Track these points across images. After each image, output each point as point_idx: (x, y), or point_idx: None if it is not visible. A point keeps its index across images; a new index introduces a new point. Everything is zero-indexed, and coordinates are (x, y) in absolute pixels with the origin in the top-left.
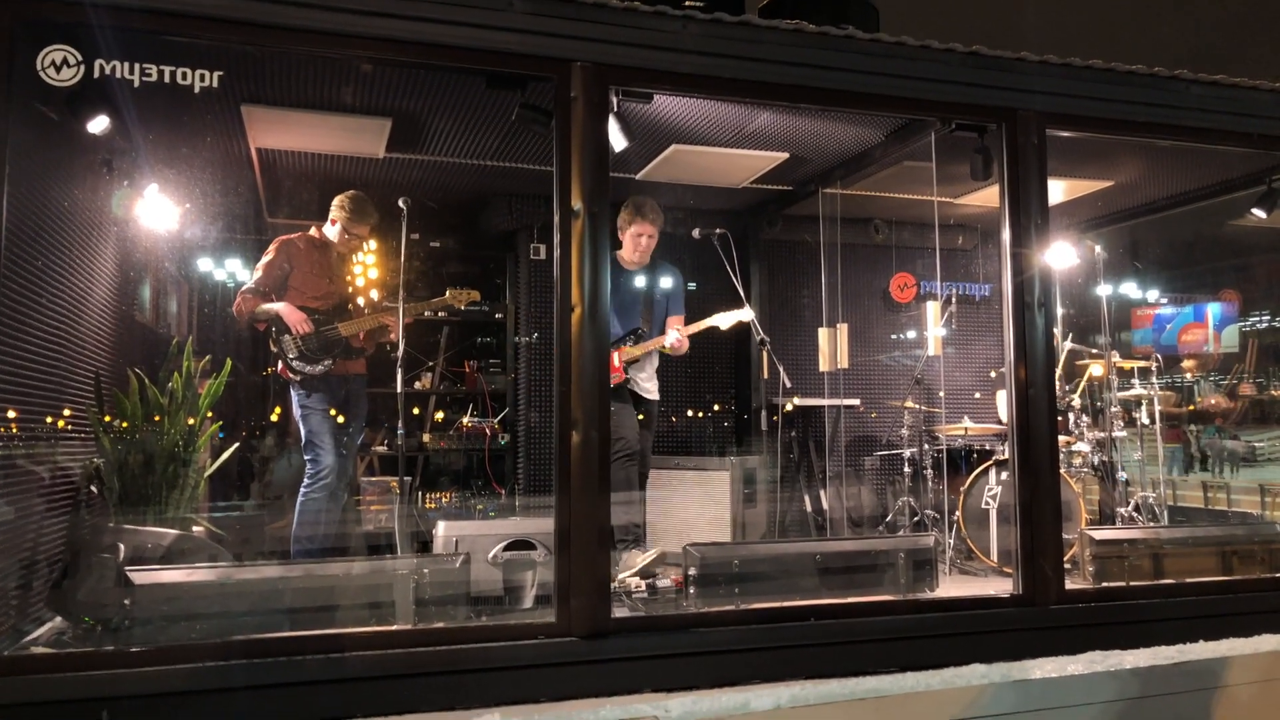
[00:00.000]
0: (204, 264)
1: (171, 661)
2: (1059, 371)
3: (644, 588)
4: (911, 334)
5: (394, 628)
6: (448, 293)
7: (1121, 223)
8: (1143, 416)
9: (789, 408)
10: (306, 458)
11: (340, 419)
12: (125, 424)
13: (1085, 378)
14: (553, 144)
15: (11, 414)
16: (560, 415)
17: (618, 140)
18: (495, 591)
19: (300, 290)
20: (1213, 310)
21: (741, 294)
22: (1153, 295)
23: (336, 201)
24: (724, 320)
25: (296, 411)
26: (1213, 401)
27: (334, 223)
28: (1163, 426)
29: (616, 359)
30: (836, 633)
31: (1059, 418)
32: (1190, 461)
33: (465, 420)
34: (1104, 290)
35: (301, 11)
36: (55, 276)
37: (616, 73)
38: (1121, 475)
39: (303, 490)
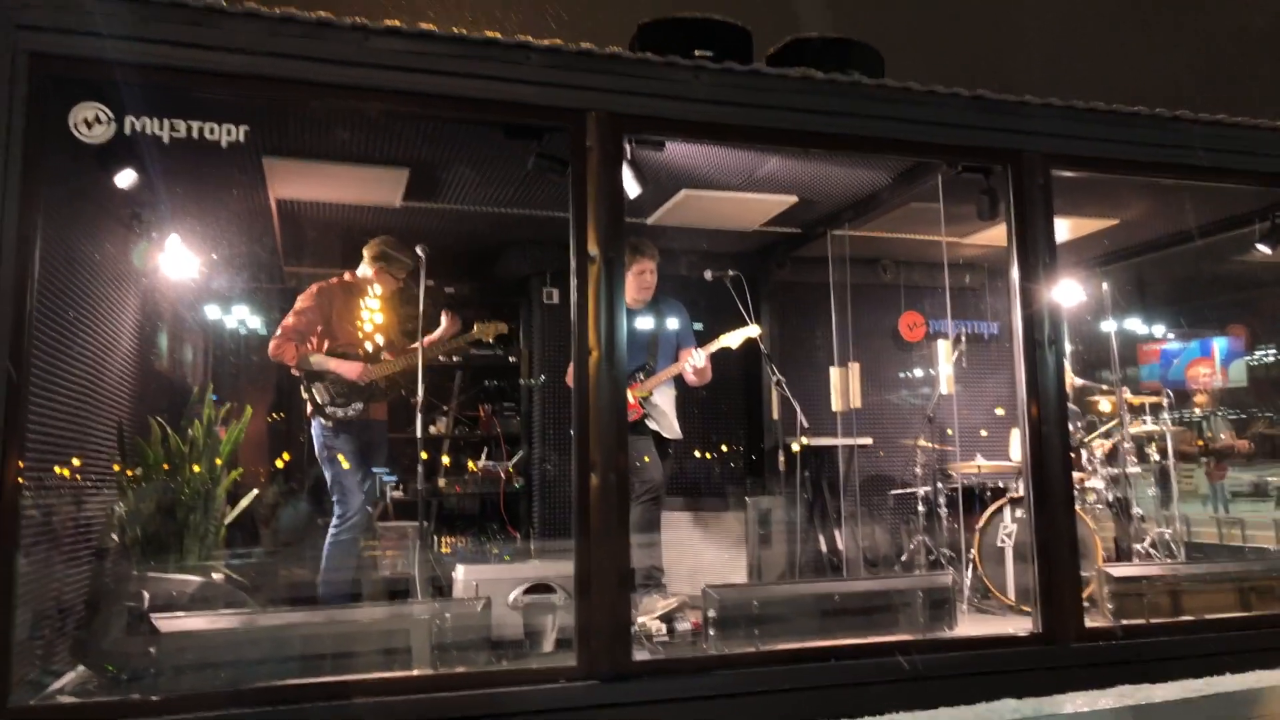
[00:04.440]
0: (224, 313)
1: (193, 709)
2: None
3: (664, 630)
4: (921, 372)
5: (416, 673)
6: (475, 327)
7: (1128, 260)
8: (1156, 452)
9: (796, 448)
10: (334, 498)
11: (347, 465)
12: (141, 472)
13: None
14: (568, 191)
15: (44, 463)
16: (579, 458)
17: (631, 187)
18: (516, 635)
19: (331, 335)
20: (1219, 345)
21: (748, 316)
22: (1159, 331)
23: (370, 247)
24: (734, 339)
25: (321, 454)
26: (1223, 438)
27: (369, 267)
28: (1210, 463)
29: (631, 396)
30: (858, 673)
31: (1071, 454)
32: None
33: (473, 464)
34: (1112, 327)
35: (324, 67)
36: (83, 327)
37: (630, 122)
38: (1137, 511)
39: (331, 532)
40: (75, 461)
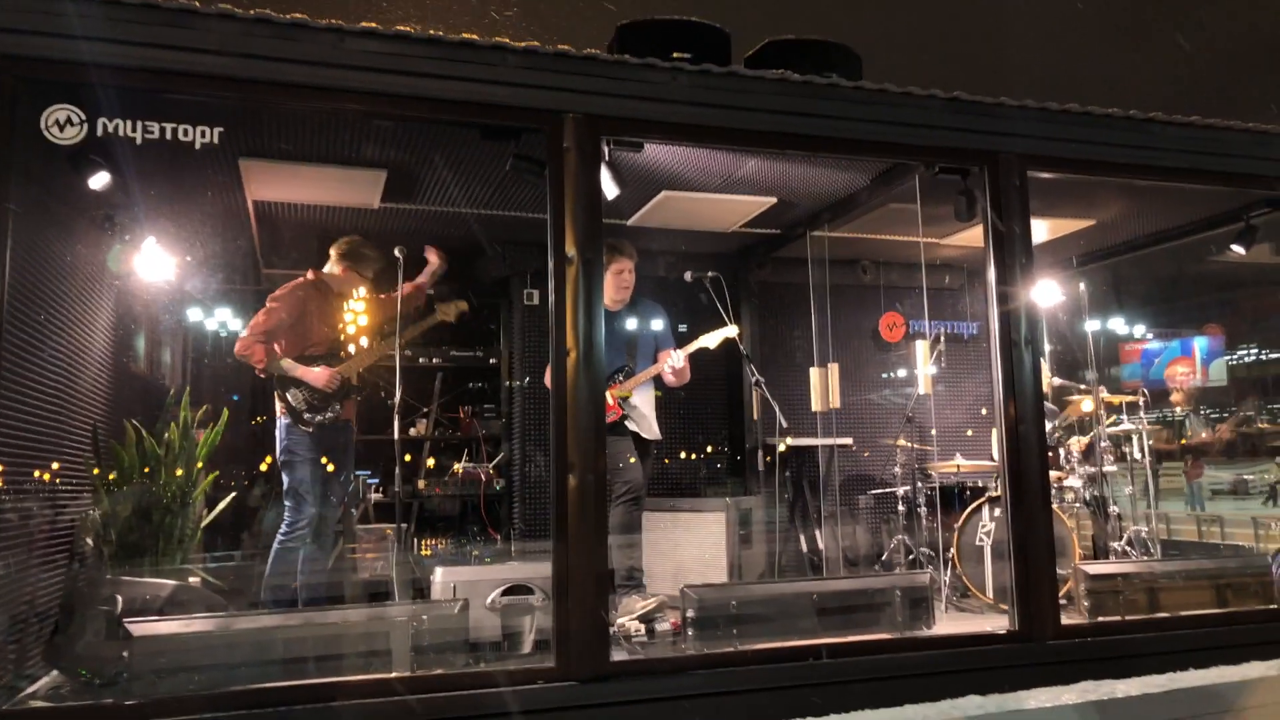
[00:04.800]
0: (201, 315)
1: (168, 714)
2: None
3: (643, 631)
4: (902, 373)
5: (393, 675)
6: (436, 309)
7: (1106, 260)
8: (1134, 451)
9: (782, 448)
10: (287, 503)
11: (331, 467)
12: (116, 475)
13: (1068, 412)
14: (545, 193)
15: (14, 467)
16: (556, 459)
17: (609, 188)
18: (494, 637)
19: (300, 337)
20: (1200, 344)
21: (728, 317)
22: (1140, 330)
23: (338, 246)
24: (711, 339)
25: (281, 457)
26: (1204, 435)
27: (337, 265)
28: (1188, 460)
29: (610, 397)
30: (835, 672)
31: (1049, 454)
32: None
33: (458, 466)
34: (1091, 326)
35: (299, 68)
36: (55, 330)
37: (608, 123)
38: (1114, 509)
39: (279, 538)
40: (55, 466)
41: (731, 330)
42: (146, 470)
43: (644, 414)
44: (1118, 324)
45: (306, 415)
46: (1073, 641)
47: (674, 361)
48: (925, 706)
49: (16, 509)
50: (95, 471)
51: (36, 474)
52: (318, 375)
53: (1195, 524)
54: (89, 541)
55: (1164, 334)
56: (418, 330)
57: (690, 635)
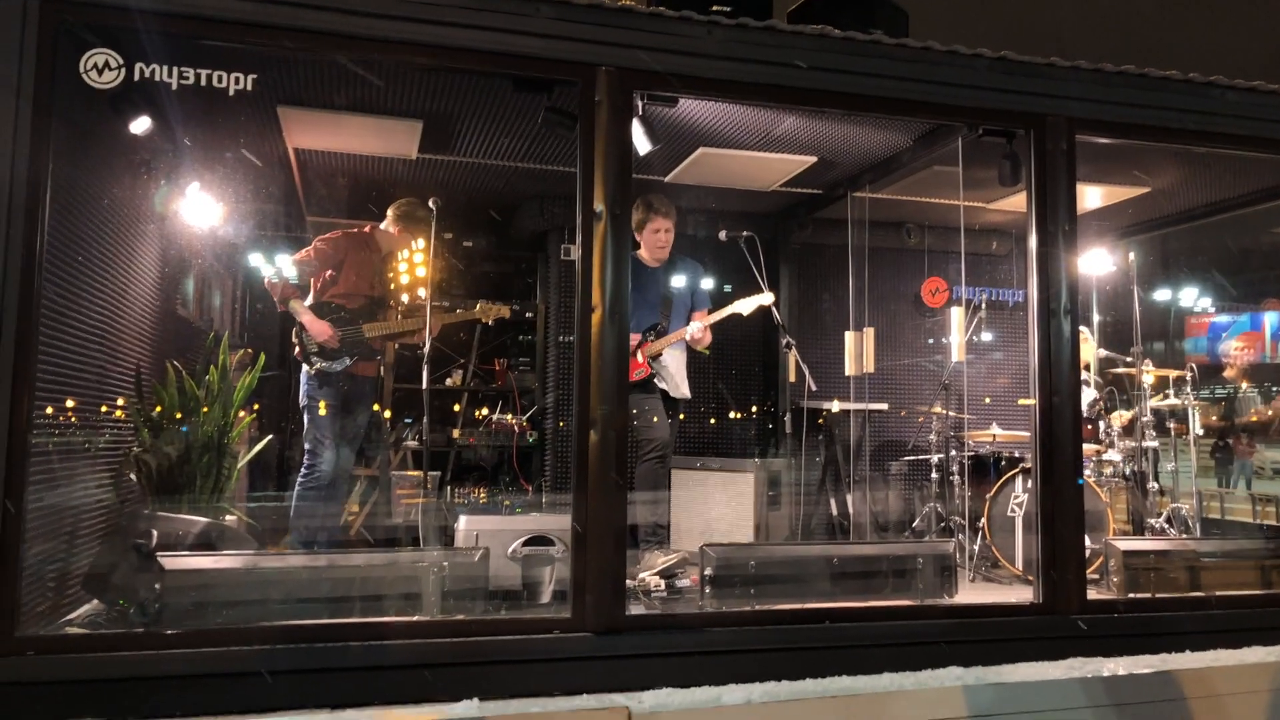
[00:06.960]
0: (243, 260)
1: (194, 645)
2: (1095, 378)
3: (663, 587)
4: (944, 339)
5: (412, 619)
6: (478, 306)
7: (1164, 229)
8: (1194, 426)
9: (835, 410)
10: (306, 447)
11: (343, 416)
12: (161, 409)
13: (1095, 371)
14: (577, 146)
15: (60, 403)
16: (579, 414)
17: (642, 144)
18: (514, 586)
19: (339, 284)
20: (1270, 319)
21: (762, 280)
22: (1206, 304)
23: (396, 206)
24: (745, 306)
25: (303, 401)
26: (1268, 412)
27: (393, 225)
28: (1239, 438)
29: (639, 355)
30: (850, 636)
31: (1089, 426)
32: None
33: (497, 417)
34: (1149, 297)
35: (331, 16)
36: (95, 272)
37: (641, 77)
38: (1153, 485)
39: (299, 482)
40: (98, 402)
41: (767, 298)
42: (181, 414)
43: (673, 374)
44: (1186, 296)
45: (314, 358)
46: (1098, 617)
47: (691, 331)
48: (903, 675)
49: (61, 443)
50: (137, 410)
51: (81, 410)
52: (318, 328)
53: (1251, 503)
54: (131, 477)
55: (1232, 307)
56: (453, 319)
57: (708, 593)
